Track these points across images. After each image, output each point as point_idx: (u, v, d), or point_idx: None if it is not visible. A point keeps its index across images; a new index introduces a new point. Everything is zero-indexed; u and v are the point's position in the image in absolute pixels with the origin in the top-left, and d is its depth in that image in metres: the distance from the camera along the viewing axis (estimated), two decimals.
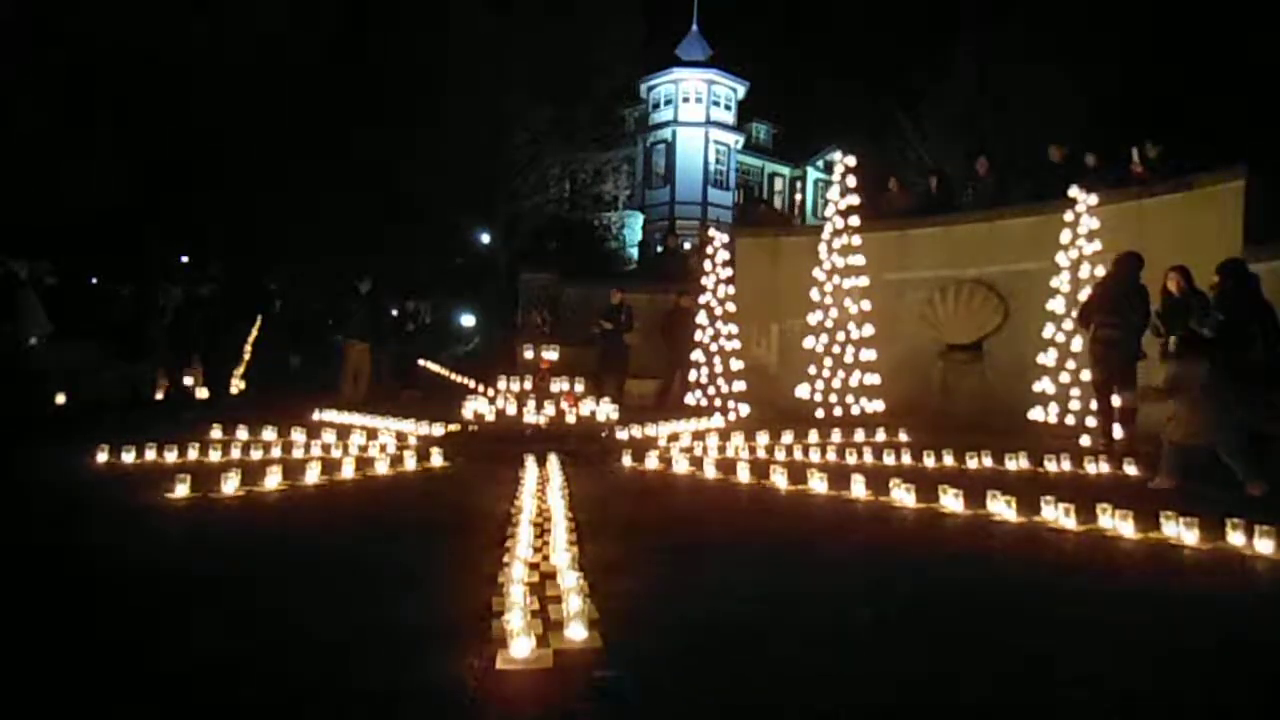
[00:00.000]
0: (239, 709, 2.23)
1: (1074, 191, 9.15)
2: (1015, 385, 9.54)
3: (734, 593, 3.30)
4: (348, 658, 2.56)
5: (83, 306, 12.07)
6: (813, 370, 10.27)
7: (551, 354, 8.45)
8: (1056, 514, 4.49)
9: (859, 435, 8.04)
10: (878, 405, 9.97)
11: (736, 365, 11.07)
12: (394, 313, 14.00)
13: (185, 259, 19.42)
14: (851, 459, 6.77)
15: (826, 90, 37.34)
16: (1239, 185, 8.42)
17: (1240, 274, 6.20)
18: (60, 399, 9.90)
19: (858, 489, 5.21)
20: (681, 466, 6.25)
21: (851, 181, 10.59)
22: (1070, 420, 8.68)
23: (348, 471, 5.67)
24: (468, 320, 23.31)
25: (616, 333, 12.07)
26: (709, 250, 11.56)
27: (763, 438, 7.43)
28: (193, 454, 6.29)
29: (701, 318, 11.36)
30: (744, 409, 10.62)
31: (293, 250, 18.99)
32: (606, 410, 8.06)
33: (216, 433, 7.26)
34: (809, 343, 10.41)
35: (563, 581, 3.06)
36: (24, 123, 13.89)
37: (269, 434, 7.11)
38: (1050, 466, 6.36)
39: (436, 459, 6.40)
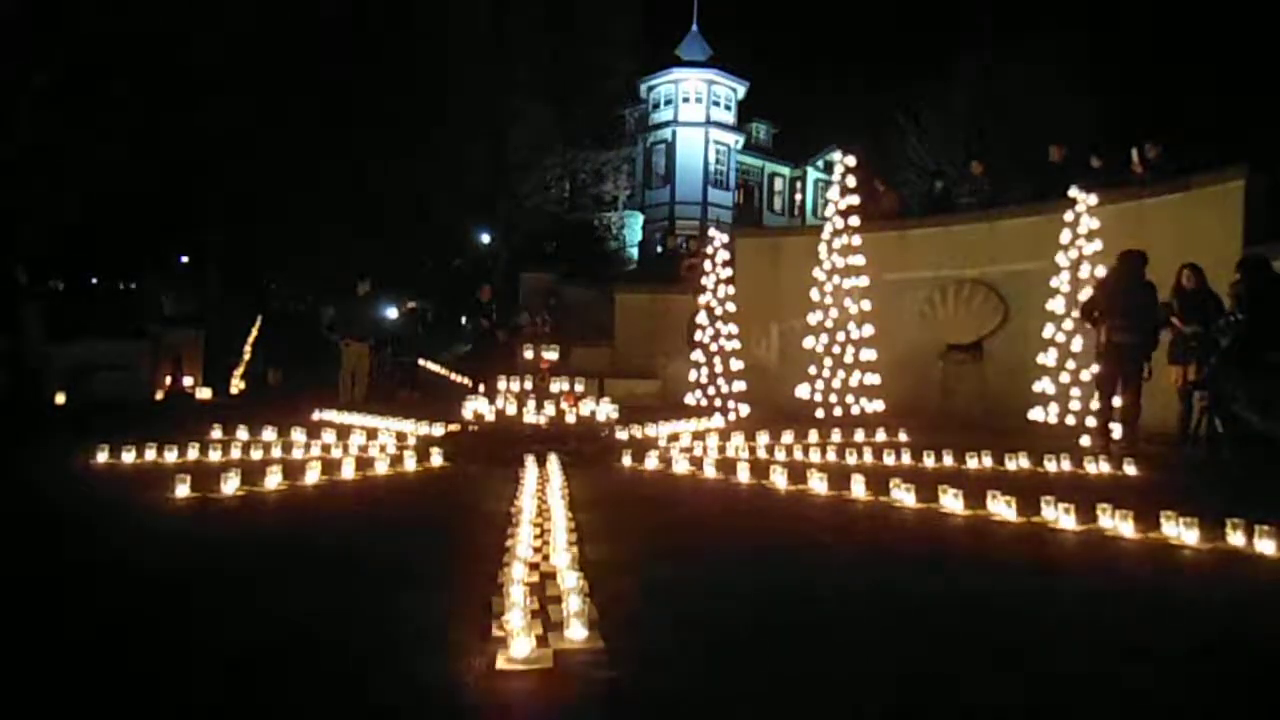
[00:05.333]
0: (239, 709, 2.23)
1: (1074, 191, 9.16)
2: (1015, 385, 9.55)
3: (734, 593, 3.30)
4: (347, 657, 2.56)
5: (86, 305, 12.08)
6: (813, 370, 10.27)
7: (551, 354, 8.45)
8: (1056, 514, 4.48)
9: (859, 435, 8.04)
10: (878, 405, 9.97)
11: (736, 365, 11.07)
12: (412, 304, 14.06)
13: (185, 259, 19.41)
14: (851, 459, 6.76)
15: (826, 90, 37.47)
16: (1239, 185, 8.43)
17: (1268, 272, 6.17)
18: (60, 398, 9.91)
19: (858, 489, 5.21)
20: (681, 466, 6.24)
21: (851, 181, 10.59)
22: (1070, 420, 8.68)
23: (348, 472, 5.66)
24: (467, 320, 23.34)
25: (492, 329, 12.67)
26: (708, 250, 11.57)
27: (763, 438, 7.43)
28: (193, 454, 6.28)
29: (702, 317, 11.38)
30: (744, 409, 10.62)
31: (292, 250, 18.98)
32: (606, 410, 8.05)
33: (216, 433, 7.26)
34: (809, 343, 10.42)
35: (563, 581, 3.05)
36: (23, 121, 13.89)
37: (269, 434, 7.11)
38: (1050, 466, 6.36)
39: (436, 459, 6.39)
